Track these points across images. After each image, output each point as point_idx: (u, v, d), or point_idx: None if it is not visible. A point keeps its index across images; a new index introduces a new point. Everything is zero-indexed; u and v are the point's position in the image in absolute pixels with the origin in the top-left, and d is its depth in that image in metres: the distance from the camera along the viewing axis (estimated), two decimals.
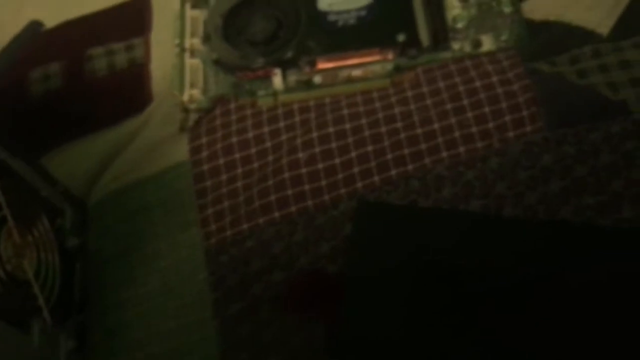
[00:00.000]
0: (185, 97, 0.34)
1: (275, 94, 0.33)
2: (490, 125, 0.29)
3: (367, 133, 0.31)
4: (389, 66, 0.33)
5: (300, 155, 0.31)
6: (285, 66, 0.33)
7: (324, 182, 0.30)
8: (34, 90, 0.36)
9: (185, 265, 0.30)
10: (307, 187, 0.30)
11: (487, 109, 0.30)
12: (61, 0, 0.39)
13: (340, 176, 0.30)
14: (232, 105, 0.34)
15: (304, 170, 0.30)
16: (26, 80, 0.36)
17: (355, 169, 0.30)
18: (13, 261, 0.27)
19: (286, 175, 0.30)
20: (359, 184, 0.30)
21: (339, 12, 0.34)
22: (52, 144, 0.34)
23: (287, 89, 0.33)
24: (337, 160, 0.30)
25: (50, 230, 0.30)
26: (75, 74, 0.36)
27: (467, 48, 0.32)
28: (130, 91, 0.35)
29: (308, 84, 0.33)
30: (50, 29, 0.38)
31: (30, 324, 0.27)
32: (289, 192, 0.30)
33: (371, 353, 0.26)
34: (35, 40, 0.38)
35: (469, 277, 0.27)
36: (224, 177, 0.32)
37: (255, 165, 0.32)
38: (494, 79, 0.30)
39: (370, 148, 0.30)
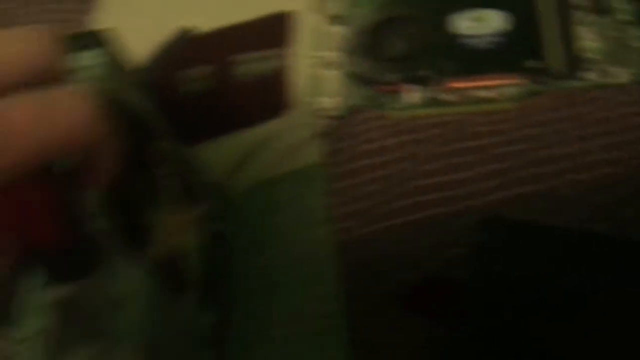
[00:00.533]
0: (323, 105, 0.37)
1: (407, 108, 0.36)
2: (619, 153, 0.31)
3: (495, 151, 0.33)
4: (518, 90, 0.35)
5: (432, 166, 0.33)
6: (419, 83, 0.36)
7: (454, 193, 0.32)
8: (187, 90, 0.39)
9: (316, 258, 0.33)
10: (437, 195, 0.32)
11: (616, 138, 0.31)
12: (211, 10, 0.43)
13: (469, 189, 0.32)
14: (366, 115, 0.36)
15: (435, 180, 0.33)
16: (180, 80, 0.40)
17: (484, 184, 0.32)
18: (175, 236, 0.30)
19: (419, 183, 0.33)
20: (487, 198, 0.31)
21: (473, 36, 0.36)
22: (199, 139, 0.38)
23: (419, 104, 0.36)
24: (466, 174, 0.32)
25: (200, 214, 0.34)
26: (223, 77, 0.39)
27: (599, 78, 0.34)
28: (271, 96, 0.38)
29: (439, 101, 0.36)
30: (201, 35, 0.42)
31: (183, 294, 0.30)
32: (421, 199, 0.32)
33: None
34: (188, 45, 0.42)
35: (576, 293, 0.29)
36: (357, 180, 0.34)
37: (387, 171, 0.34)
38: (626, 110, 0.32)
39: (498, 165, 0.32)
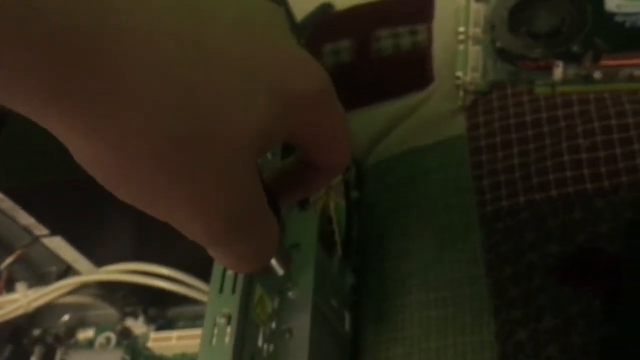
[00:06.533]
0: (466, 80, 0.37)
1: (554, 84, 0.35)
2: None
3: None
4: None
5: (581, 142, 0.33)
6: (567, 59, 0.35)
7: (603, 169, 0.32)
8: (327, 62, 0.41)
9: (458, 226, 0.33)
10: (586, 171, 0.32)
11: None
12: None
13: (621, 165, 0.31)
14: (509, 91, 0.36)
15: (584, 156, 0.32)
16: (320, 53, 0.41)
17: (639, 160, 0.31)
18: (324, 198, 0.32)
19: (566, 158, 0.32)
20: (632, 177, 0.31)
21: (627, 14, 0.35)
22: None
23: (566, 81, 0.35)
24: (618, 151, 0.32)
25: (341, 181, 0.35)
26: (363, 51, 0.41)
27: None
28: (413, 70, 0.39)
29: (587, 79, 0.35)
30: (341, 10, 0.43)
31: (332, 253, 0.32)
32: (568, 174, 0.32)
33: None
34: (328, 19, 0.43)
35: None
36: (500, 154, 0.34)
37: (532, 146, 0.34)
38: None
39: None
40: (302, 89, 0.18)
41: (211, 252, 0.20)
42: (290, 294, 0.24)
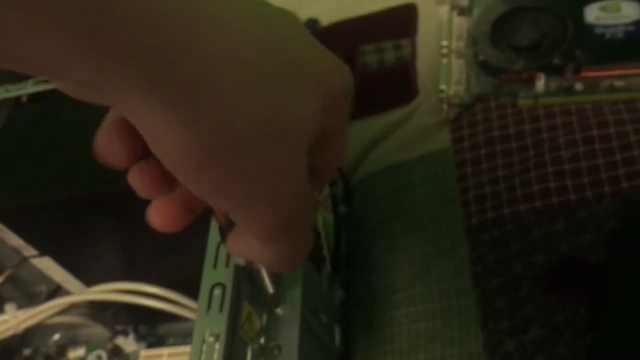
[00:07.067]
0: (450, 93, 0.37)
1: (536, 96, 0.36)
2: None
3: (632, 139, 0.32)
4: None
5: (563, 153, 0.33)
6: (548, 72, 0.36)
7: (586, 180, 0.32)
8: None
9: (445, 238, 0.34)
10: (569, 182, 0.32)
11: None
12: (336, 2, 0.45)
13: (603, 175, 0.32)
14: (492, 104, 0.37)
15: (566, 167, 0.33)
16: None
17: (621, 170, 0.32)
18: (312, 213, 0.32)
19: (549, 169, 0.33)
20: (625, 185, 0.31)
21: (606, 26, 0.36)
22: None
23: (548, 93, 0.36)
24: (600, 161, 0.32)
25: (329, 195, 0.35)
26: (348, 66, 0.41)
27: None
28: (397, 84, 0.39)
29: (569, 90, 0.36)
30: (326, 26, 0.44)
31: (320, 268, 0.32)
32: (551, 185, 0.32)
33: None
34: (313, 35, 0.44)
35: None
36: (484, 165, 0.35)
37: (515, 158, 0.34)
38: None
39: (636, 152, 0.32)
40: (338, 84, 0.20)
41: (261, 249, 0.20)
42: (279, 310, 0.25)
